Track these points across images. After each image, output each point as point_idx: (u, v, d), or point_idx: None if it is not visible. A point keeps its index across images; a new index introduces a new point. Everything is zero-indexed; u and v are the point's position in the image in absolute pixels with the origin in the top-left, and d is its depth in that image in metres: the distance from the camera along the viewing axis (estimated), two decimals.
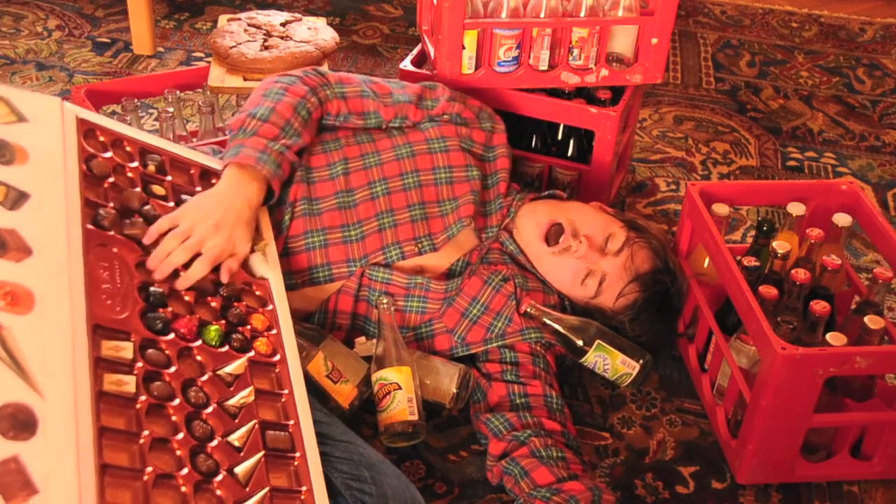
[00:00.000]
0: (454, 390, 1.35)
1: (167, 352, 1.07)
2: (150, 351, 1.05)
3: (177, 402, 1.03)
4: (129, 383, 0.99)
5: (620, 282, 1.41)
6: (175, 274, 1.15)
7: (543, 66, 1.67)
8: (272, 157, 1.29)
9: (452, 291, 1.40)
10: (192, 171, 1.31)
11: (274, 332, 1.20)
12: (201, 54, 2.37)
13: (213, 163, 1.34)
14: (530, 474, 1.22)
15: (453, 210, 1.44)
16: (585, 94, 1.71)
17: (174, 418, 1.01)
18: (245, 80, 1.66)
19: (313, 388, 1.26)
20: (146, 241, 1.16)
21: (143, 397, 1.00)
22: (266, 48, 1.68)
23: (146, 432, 0.97)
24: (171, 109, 1.68)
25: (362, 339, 1.38)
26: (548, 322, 1.41)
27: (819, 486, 1.36)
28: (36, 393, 0.90)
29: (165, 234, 1.17)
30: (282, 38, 1.72)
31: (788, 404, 1.25)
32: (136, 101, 1.68)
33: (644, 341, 1.44)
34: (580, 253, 1.41)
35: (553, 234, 1.43)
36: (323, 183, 1.40)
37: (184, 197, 1.26)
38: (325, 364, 1.28)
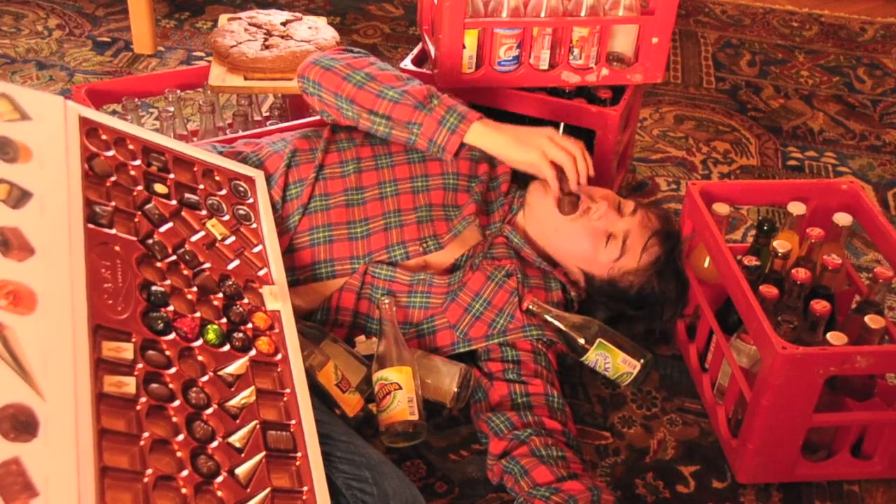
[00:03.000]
0: (455, 390, 1.35)
1: (168, 352, 1.06)
2: (151, 352, 1.05)
3: (177, 403, 1.02)
4: (129, 385, 0.99)
5: (642, 238, 1.42)
6: None
7: (544, 65, 1.67)
8: None
9: (455, 285, 1.40)
10: (195, 169, 1.30)
11: (276, 330, 1.20)
12: (202, 54, 2.37)
13: (215, 160, 1.34)
14: (530, 473, 1.22)
15: (457, 215, 1.45)
16: (586, 94, 1.71)
17: (175, 419, 1.01)
18: (245, 79, 1.66)
19: (321, 394, 1.26)
20: (555, 189, 1.38)
21: (143, 399, 0.99)
22: (266, 47, 1.68)
23: (146, 434, 0.97)
24: (172, 109, 1.68)
25: (362, 337, 1.38)
26: (549, 319, 1.41)
27: (819, 485, 1.36)
28: (37, 394, 0.90)
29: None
30: (282, 37, 1.71)
31: (789, 404, 1.25)
32: (136, 100, 1.68)
33: (668, 298, 1.44)
34: (601, 212, 1.41)
35: (567, 204, 1.42)
36: (334, 180, 1.42)
37: (186, 195, 1.26)
38: (336, 373, 1.28)
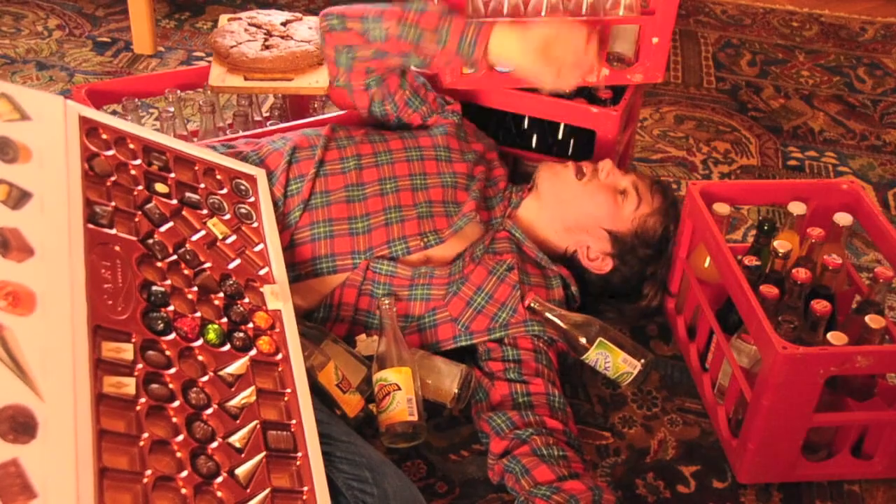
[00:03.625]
0: (455, 390, 1.35)
1: (168, 352, 1.06)
2: (151, 352, 1.04)
3: (177, 403, 1.02)
4: (129, 385, 0.99)
5: (647, 186, 1.53)
6: None
7: None
8: None
9: (456, 275, 1.41)
10: (196, 168, 1.30)
11: (277, 330, 1.20)
12: (202, 54, 2.36)
13: (217, 159, 1.34)
14: (531, 472, 1.22)
15: (458, 211, 1.47)
16: (586, 94, 1.71)
17: (174, 420, 1.00)
18: (246, 79, 1.65)
19: (321, 394, 1.26)
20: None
21: (143, 399, 0.99)
22: (267, 48, 1.67)
23: (146, 434, 0.97)
24: (172, 109, 1.67)
25: (363, 336, 1.38)
26: (550, 318, 1.41)
27: (820, 485, 1.36)
28: (36, 395, 0.89)
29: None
30: (282, 37, 1.71)
31: (789, 404, 1.25)
32: (136, 100, 1.67)
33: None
34: (607, 169, 1.52)
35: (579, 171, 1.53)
36: (335, 176, 1.44)
37: (187, 194, 1.25)
38: (336, 373, 1.28)
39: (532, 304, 1.41)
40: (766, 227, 1.44)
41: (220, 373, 1.10)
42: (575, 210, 1.51)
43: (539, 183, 1.54)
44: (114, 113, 1.86)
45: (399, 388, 1.27)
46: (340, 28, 1.48)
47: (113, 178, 1.18)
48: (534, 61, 1.40)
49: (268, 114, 1.84)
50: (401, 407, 1.27)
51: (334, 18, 1.48)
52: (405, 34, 1.43)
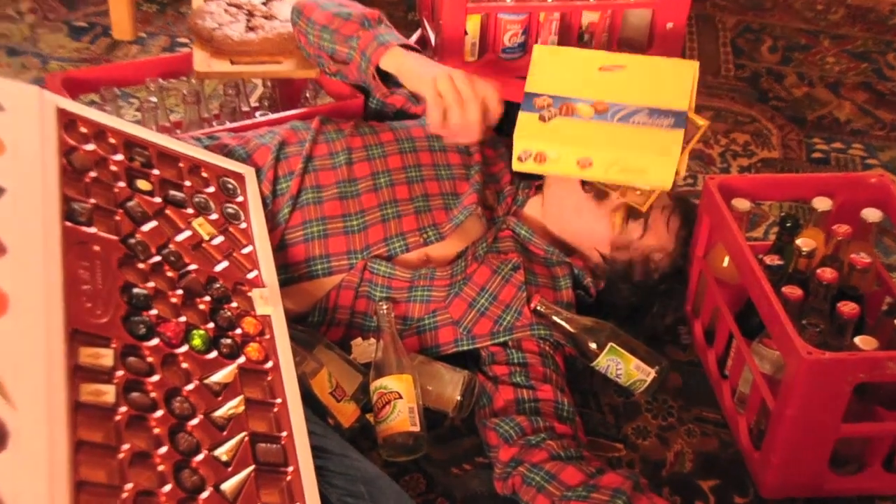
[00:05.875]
0: (458, 398, 1.35)
1: (150, 359, 1.06)
2: (132, 359, 1.04)
3: (160, 413, 1.02)
4: (108, 393, 0.99)
5: (662, 216, 1.47)
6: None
7: None
8: None
9: (459, 276, 1.41)
10: (181, 165, 1.30)
11: (267, 336, 1.20)
12: (185, 40, 2.36)
13: (203, 156, 1.34)
14: (558, 476, 1.22)
15: (457, 203, 1.47)
16: None
17: (157, 431, 1.00)
18: (232, 63, 1.64)
19: (314, 403, 1.26)
20: (432, 131, 1.36)
21: (123, 408, 0.99)
22: (251, 29, 1.67)
23: (126, 446, 0.96)
24: (154, 99, 1.67)
25: (359, 339, 1.39)
26: (558, 321, 1.41)
27: (849, 500, 1.35)
28: (7, 403, 0.89)
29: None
30: (265, 17, 1.70)
31: (815, 413, 1.25)
32: (115, 90, 1.67)
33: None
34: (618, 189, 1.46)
35: (595, 190, 1.47)
36: (325, 171, 1.45)
37: (171, 192, 1.25)
38: (330, 381, 1.28)
39: (538, 308, 1.41)
40: (788, 224, 1.44)
41: (206, 381, 1.10)
42: (574, 224, 1.49)
43: (546, 183, 1.53)
44: (91, 103, 1.86)
45: (401, 397, 1.27)
46: (295, 22, 1.52)
47: (92, 174, 1.18)
48: (415, 74, 1.36)
49: (256, 104, 1.84)
50: (402, 416, 1.27)
51: (295, 14, 1.51)
52: (323, 41, 1.46)
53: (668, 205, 1.49)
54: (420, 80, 1.35)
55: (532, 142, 1.34)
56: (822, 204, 1.43)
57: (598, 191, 1.44)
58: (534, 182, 1.56)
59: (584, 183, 1.45)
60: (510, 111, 1.77)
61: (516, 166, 1.35)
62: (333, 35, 1.44)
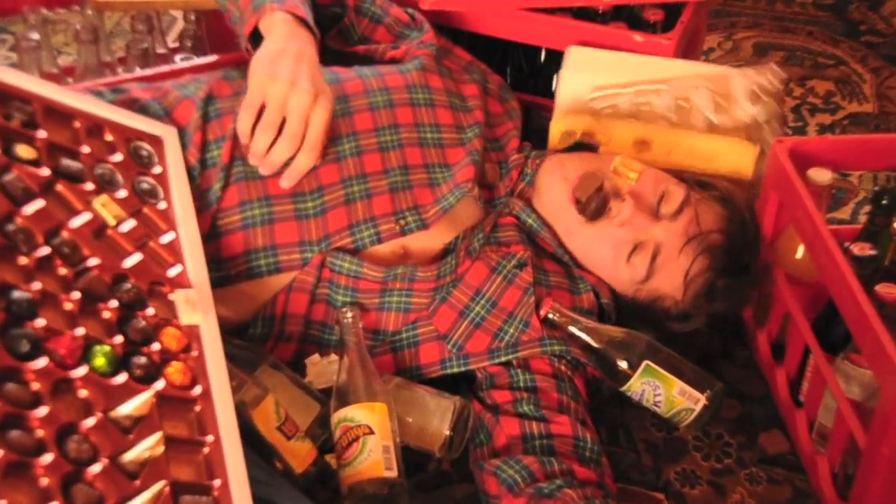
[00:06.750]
0: (447, 432, 1.35)
1: (35, 385, 1.06)
2: (10, 385, 1.04)
3: (49, 458, 1.02)
4: None
5: (681, 256, 1.43)
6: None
7: None
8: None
9: (447, 277, 1.41)
10: (76, 125, 1.30)
11: (194, 353, 1.20)
12: None
13: (107, 112, 1.33)
14: None
15: (448, 178, 1.45)
16: (627, 16, 1.71)
17: (45, 482, 1.00)
18: None
19: (257, 441, 1.26)
20: (244, 141, 1.35)
21: None
22: None
23: (2, 503, 0.96)
24: (35, 36, 1.66)
25: (315, 357, 1.39)
26: (576, 333, 1.41)
27: None
28: None
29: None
30: None
31: None
32: None
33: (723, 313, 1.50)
34: (624, 216, 1.43)
35: (581, 186, 1.44)
36: None
37: (63, 161, 1.25)
38: (277, 412, 1.28)
39: (550, 315, 1.41)
40: (884, 202, 1.45)
41: (113, 414, 1.10)
42: (567, 242, 1.50)
43: (539, 184, 1.52)
44: None
45: (371, 432, 1.28)
46: None
47: None
48: (257, 64, 1.36)
49: (176, 44, 1.84)
50: (374, 458, 1.27)
51: None
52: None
53: (696, 242, 1.45)
54: (258, 67, 1.34)
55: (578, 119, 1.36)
56: None
57: (594, 209, 1.43)
58: (547, 153, 1.56)
59: (577, 201, 1.44)
60: (517, 57, 1.77)
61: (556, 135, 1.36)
62: None
